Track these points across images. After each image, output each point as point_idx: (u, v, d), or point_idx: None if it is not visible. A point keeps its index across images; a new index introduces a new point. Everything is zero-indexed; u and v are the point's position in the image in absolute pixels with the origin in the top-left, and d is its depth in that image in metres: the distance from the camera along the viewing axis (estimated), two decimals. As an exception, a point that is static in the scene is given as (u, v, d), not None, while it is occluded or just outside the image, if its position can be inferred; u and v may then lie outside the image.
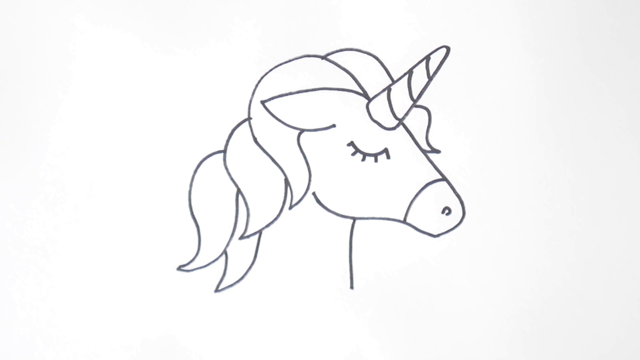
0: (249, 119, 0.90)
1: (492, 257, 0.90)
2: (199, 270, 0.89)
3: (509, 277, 0.90)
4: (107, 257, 0.89)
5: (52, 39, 0.90)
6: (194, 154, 0.90)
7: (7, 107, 0.89)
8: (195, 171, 0.89)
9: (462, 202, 0.90)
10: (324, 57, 0.90)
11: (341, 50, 0.90)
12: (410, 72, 0.90)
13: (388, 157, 0.89)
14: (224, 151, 0.90)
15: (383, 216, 0.89)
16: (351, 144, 0.89)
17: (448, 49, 0.91)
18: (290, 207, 0.89)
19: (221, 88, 0.90)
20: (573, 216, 0.90)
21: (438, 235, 0.90)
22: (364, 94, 0.90)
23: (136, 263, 0.89)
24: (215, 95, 0.90)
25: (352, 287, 0.90)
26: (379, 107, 0.89)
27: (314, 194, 0.89)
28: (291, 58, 0.90)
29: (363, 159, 0.89)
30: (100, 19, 0.90)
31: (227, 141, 0.90)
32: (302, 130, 0.89)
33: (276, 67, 0.90)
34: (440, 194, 0.90)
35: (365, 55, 0.90)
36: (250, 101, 0.90)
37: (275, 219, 0.89)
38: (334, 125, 0.89)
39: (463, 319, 0.89)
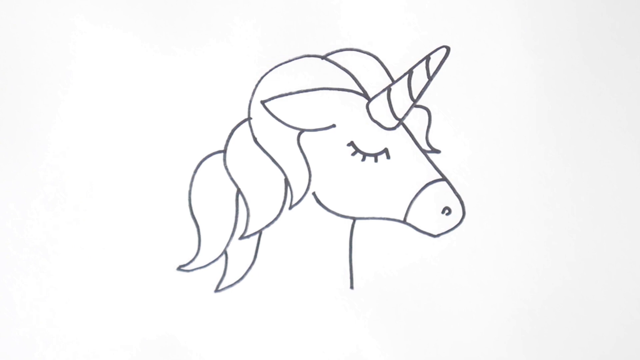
0: (249, 119, 0.90)
1: (492, 257, 0.90)
2: (199, 270, 0.89)
3: (509, 277, 0.90)
4: (107, 257, 0.89)
5: (52, 39, 0.90)
6: (194, 154, 0.90)
7: (7, 107, 0.89)
8: (195, 171, 0.89)
9: (462, 202, 0.90)
10: (324, 57, 0.90)
11: (341, 50, 0.90)
12: (410, 72, 0.90)
13: (388, 157, 0.89)
14: (224, 151, 0.90)
15: (383, 216, 0.89)
16: (351, 144, 0.89)
17: (448, 49, 0.91)
18: (290, 207, 0.89)
19: (221, 88, 0.90)
20: (573, 216, 0.90)
21: (438, 235, 0.90)
22: (364, 94, 0.90)
23: (136, 263, 0.89)
24: (215, 95, 0.90)
25: (352, 287, 0.90)
26: (379, 107, 0.89)
27: (314, 194, 0.89)
28: (291, 58, 0.90)
29: (363, 159, 0.89)
30: (100, 19, 0.90)
31: (227, 141, 0.90)
32: (302, 130, 0.89)
33: (276, 67, 0.90)
34: (440, 194, 0.90)
35: (365, 55, 0.90)
36: (250, 101, 0.90)
37: (275, 219, 0.89)
38: (334, 125, 0.89)
39: (463, 319, 0.89)
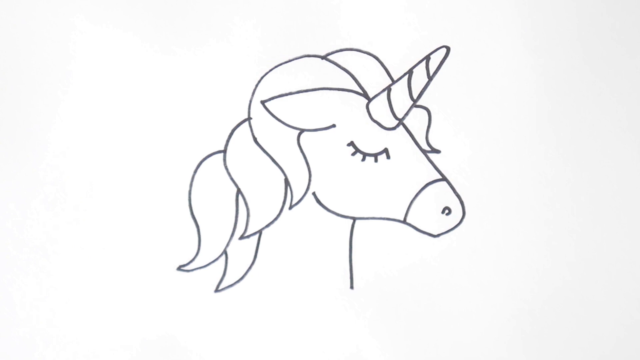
0: (249, 119, 0.90)
1: (492, 257, 0.90)
2: (199, 270, 0.89)
3: (509, 277, 0.90)
4: (107, 257, 0.89)
5: (52, 39, 0.90)
6: (194, 154, 0.90)
7: (7, 107, 0.89)
8: (195, 171, 0.89)
9: (462, 202, 0.90)
10: (324, 57, 0.90)
11: (341, 50, 0.90)
12: (410, 72, 0.90)
13: (388, 157, 0.89)
14: (224, 151, 0.90)
15: (383, 216, 0.89)
16: (351, 144, 0.89)
17: (448, 49, 0.91)
18: (290, 207, 0.89)
19: (221, 88, 0.90)
20: (573, 216, 0.90)
21: (438, 235, 0.90)
22: (364, 94, 0.90)
23: (136, 263, 0.89)
24: (215, 95, 0.90)
25: (352, 287, 0.90)
26: (379, 107, 0.89)
27: (314, 194, 0.89)
28: (291, 58, 0.90)
29: (363, 159, 0.89)
30: (100, 19, 0.90)
31: (227, 141, 0.90)
32: (302, 130, 0.89)
33: (276, 67, 0.90)
34: (440, 194, 0.90)
35: (365, 55, 0.90)
36: (250, 101, 0.90)
37: (275, 219, 0.89)
38: (334, 125, 0.89)
39: (463, 319, 0.89)
